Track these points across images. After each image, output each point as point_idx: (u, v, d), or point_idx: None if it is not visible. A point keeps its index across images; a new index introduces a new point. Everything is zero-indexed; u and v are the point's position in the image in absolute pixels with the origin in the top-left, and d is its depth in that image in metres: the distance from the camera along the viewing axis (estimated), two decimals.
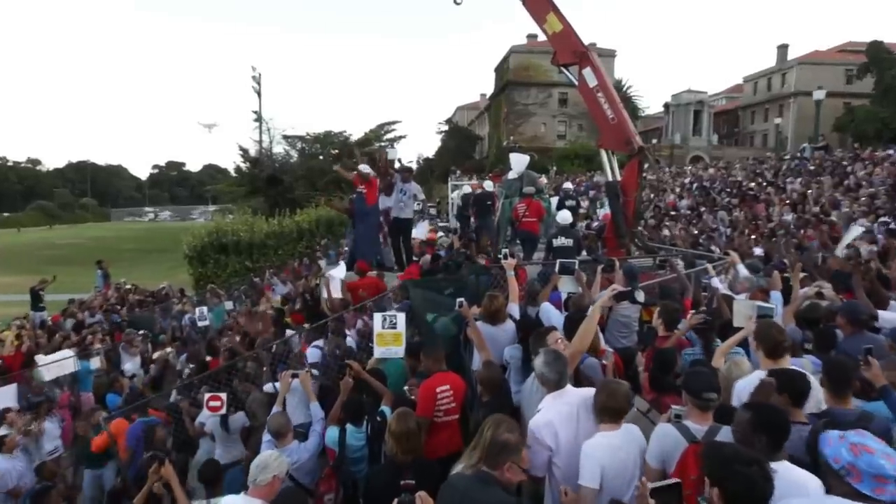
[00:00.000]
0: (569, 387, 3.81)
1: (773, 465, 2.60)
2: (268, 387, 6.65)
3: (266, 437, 5.02)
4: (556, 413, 3.65)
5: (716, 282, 7.18)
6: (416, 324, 6.77)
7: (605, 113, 10.15)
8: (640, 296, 6.30)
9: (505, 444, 3.04)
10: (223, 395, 6.45)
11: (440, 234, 15.57)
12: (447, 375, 5.06)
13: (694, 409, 3.51)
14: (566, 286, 6.89)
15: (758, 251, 11.74)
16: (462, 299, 5.61)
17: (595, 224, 17.98)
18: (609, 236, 10.60)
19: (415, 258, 10.95)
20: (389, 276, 10.51)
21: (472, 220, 14.06)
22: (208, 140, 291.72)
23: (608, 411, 3.55)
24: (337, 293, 9.47)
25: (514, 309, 6.05)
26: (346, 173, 11.88)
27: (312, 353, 7.24)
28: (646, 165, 11.44)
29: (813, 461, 2.80)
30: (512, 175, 13.24)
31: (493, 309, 5.65)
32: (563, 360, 3.84)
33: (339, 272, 9.90)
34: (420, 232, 11.26)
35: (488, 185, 14.80)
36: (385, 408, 5.20)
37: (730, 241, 14.23)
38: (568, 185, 17.47)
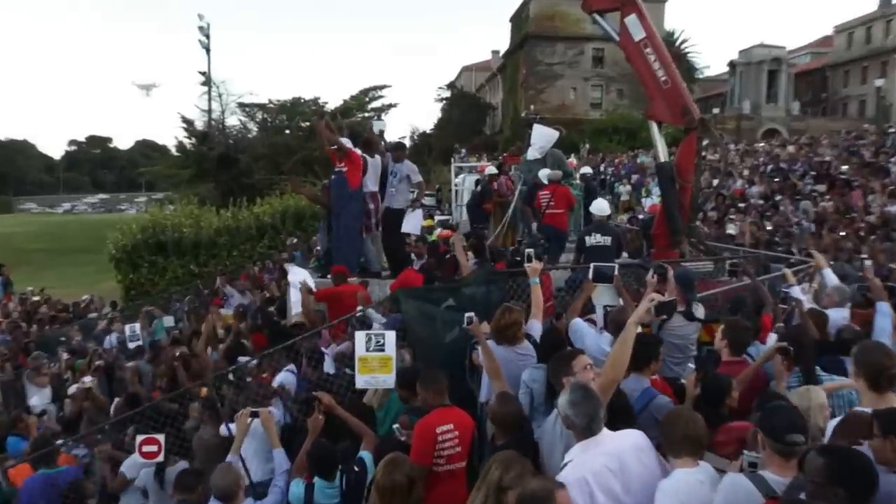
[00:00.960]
0: (605, 431, 3.81)
1: None
2: (222, 429, 6.63)
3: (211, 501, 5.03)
4: (589, 469, 3.64)
5: (796, 291, 7.17)
6: (411, 344, 6.77)
7: (656, 74, 10.13)
8: (699, 311, 6.29)
9: (534, 497, 3.02)
10: (161, 438, 6.45)
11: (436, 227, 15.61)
12: (450, 411, 5.05)
13: (773, 456, 3.48)
14: (602, 297, 6.88)
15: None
16: (472, 314, 5.60)
17: (640, 217, 17.99)
18: (659, 233, 10.58)
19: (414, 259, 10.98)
20: (374, 284, 10.51)
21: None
22: (142, 108, 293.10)
23: (690, 442, 3.67)
24: (297, 306, 9.46)
25: (534, 327, 6.04)
26: (329, 134, 11.49)
27: (284, 379, 7.23)
28: (705, 142, 11.41)
29: None
30: (533, 154, 13.26)
31: (506, 324, 5.65)
32: (595, 399, 3.83)
33: (298, 276, 9.78)
34: (412, 225, 11.18)
35: (490, 170, 14.87)
36: (365, 453, 5.20)
37: (815, 238, 14.22)
38: (586, 168, 17.36)
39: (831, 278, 7.55)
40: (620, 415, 4.27)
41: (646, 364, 5.04)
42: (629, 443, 3.75)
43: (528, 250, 7.49)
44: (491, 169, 14.88)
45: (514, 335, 5.70)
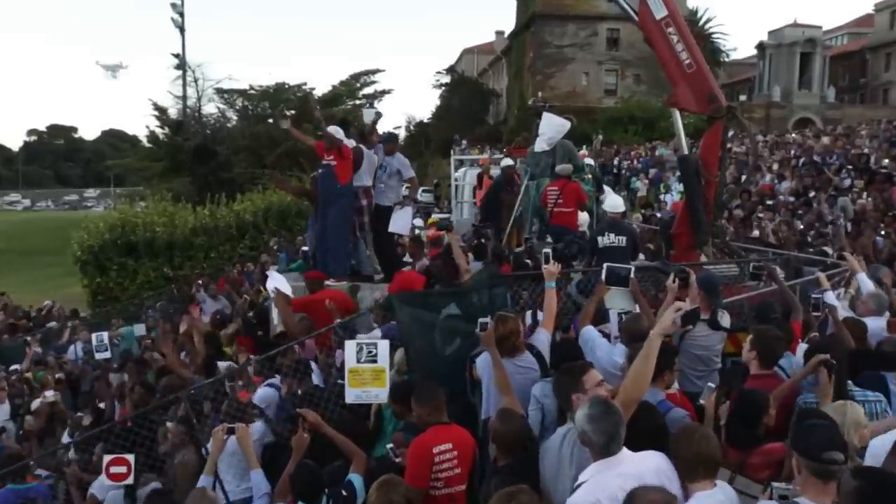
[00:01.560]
0: (624, 451, 3.79)
1: None
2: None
3: None
4: (605, 492, 3.63)
5: (830, 297, 7.20)
6: (406, 355, 6.77)
7: (680, 57, 10.13)
8: (725, 319, 6.29)
9: None
10: (130, 458, 6.45)
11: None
12: (449, 429, 5.07)
13: (809, 479, 3.45)
14: (617, 302, 6.89)
15: None
16: (487, 320, 5.59)
17: (659, 215, 18.01)
18: (680, 232, 10.58)
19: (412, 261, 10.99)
20: (366, 289, 10.52)
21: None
22: (110, 95, 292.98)
23: (705, 463, 3.72)
24: (276, 319, 9.41)
25: (541, 338, 6.04)
26: (302, 136, 11.79)
27: (264, 395, 7.24)
28: (730, 133, 11.41)
29: None
30: (540, 146, 13.25)
31: (502, 335, 5.66)
32: (617, 415, 3.82)
33: (274, 283, 9.59)
34: (400, 224, 11.15)
35: (506, 161, 14.86)
36: (355, 476, 5.21)
37: (851, 239, 14.23)
38: (588, 160, 17.10)
39: (866, 284, 7.55)
40: (654, 437, 4.23)
41: (659, 374, 5.01)
42: (651, 465, 3.74)
43: (545, 250, 7.48)
44: (508, 161, 14.86)
45: (512, 346, 5.71)
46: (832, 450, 3.41)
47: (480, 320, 5.62)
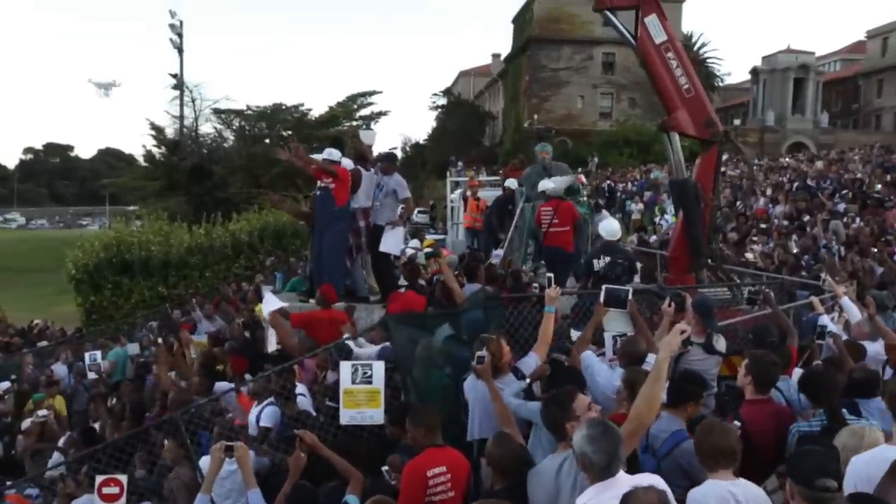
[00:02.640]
0: (621, 475, 3.77)
1: None
2: (204, 460, 6.55)
3: None
4: None
5: (825, 320, 7.20)
6: (402, 376, 6.76)
7: (679, 82, 10.19)
8: (721, 343, 6.30)
9: None
10: (123, 479, 6.42)
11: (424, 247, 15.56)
12: (443, 452, 5.04)
13: None
14: (614, 324, 6.85)
15: None
16: (483, 354, 5.55)
17: (653, 239, 18.04)
18: (676, 256, 10.62)
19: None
20: (361, 310, 10.50)
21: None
22: (107, 114, 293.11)
23: (723, 454, 3.90)
24: (272, 344, 9.31)
25: (529, 362, 5.98)
26: (296, 160, 11.69)
27: (272, 413, 7.18)
28: (724, 157, 11.48)
29: None
30: (545, 186, 12.97)
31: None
32: (616, 435, 3.79)
33: (270, 306, 9.48)
34: (390, 244, 11.11)
35: (511, 182, 14.82)
36: (351, 497, 5.17)
37: (841, 263, 14.26)
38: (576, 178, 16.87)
39: (851, 309, 7.58)
40: None
41: (682, 404, 5.02)
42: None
43: (549, 274, 7.49)
44: (512, 181, 14.87)
45: (494, 368, 5.66)
46: (825, 477, 3.40)
47: (478, 354, 5.60)
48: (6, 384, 13.69)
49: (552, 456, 4.42)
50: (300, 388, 7.66)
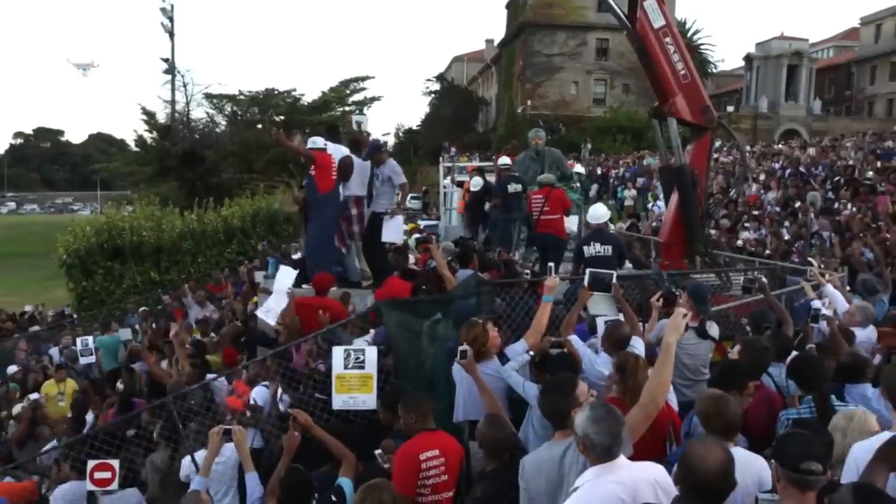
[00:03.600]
0: (622, 459, 3.76)
1: None
2: (200, 454, 6.53)
3: None
4: (599, 497, 3.61)
5: (817, 304, 7.24)
6: (394, 361, 6.76)
7: (676, 67, 10.16)
8: (714, 329, 6.32)
9: None
10: (115, 464, 6.41)
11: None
12: (436, 436, 5.06)
13: (788, 488, 3.44)
14: (598, 307, 6.83)
15: None
16: (467, 348, 5.49)
17: (644, 225, 18.03)
18: (670, 241, 10.62)
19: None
20: (354, 295, 10.48)
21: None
22: (98, 97, 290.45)
23: (719, 421, 4.11)
24: (271, 317, 9.22)
25: (517, 348, 5.90)
26: (292, 144, 11.58)
27: (262, 394, 7.16)
28: (717, 143, 11.50)
29: None
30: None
31: (466, 340, 5.59)
32: (619, 418, 3.80)
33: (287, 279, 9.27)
34: (391, 233, 11.09)
35: (504, 160, 14.68)
36: (344, 480, 5.19)
37: (834, 249, 14.28)
38: (578, 168, 16.49)
39: (835, 296, 7.61)
40: None
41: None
42: (647, 475, 3.69)
43: (550, 263, 7.49)
44: (505, 159, 14.78)
45: (478, 353, 5.59)
46: (810, 460, 3.40)
47: (460, 349, 5.51)
48: (14, 368, 13.70)
49: (551, 444, 4.37)
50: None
